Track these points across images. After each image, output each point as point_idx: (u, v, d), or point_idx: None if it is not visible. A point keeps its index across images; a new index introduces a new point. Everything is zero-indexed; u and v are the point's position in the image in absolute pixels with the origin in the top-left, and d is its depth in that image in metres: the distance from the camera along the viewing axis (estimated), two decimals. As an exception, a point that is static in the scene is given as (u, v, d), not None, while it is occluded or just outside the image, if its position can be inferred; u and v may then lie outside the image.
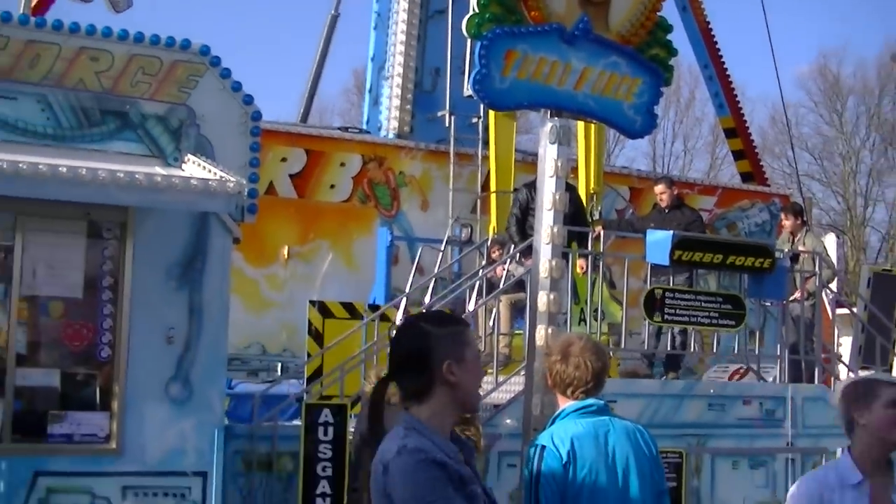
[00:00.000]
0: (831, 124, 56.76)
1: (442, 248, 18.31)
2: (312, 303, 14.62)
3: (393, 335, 4.97)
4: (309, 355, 14.08)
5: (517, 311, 14.86)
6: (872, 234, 56.72)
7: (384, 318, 13.81)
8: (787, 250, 16.57)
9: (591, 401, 6.52)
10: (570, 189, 15.07)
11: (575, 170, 18.41)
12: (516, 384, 13.11)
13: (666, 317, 13.88)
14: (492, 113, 17.66)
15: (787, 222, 18.05)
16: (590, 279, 14.84)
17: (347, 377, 13.64)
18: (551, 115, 11.27)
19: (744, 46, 35.49)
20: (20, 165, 7.99)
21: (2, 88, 8.84)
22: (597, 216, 17.94)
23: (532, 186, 13.28)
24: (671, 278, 14.62)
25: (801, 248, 17.13)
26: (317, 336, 14.03)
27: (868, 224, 56.34)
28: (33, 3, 10.64)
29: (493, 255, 16.39)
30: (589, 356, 6.54)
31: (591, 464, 6.29)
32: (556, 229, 11.34)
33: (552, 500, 6.28)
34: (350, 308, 14.11)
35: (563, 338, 7.07)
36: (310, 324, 14.32)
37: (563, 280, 11.94)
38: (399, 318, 14.72)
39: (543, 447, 6.42)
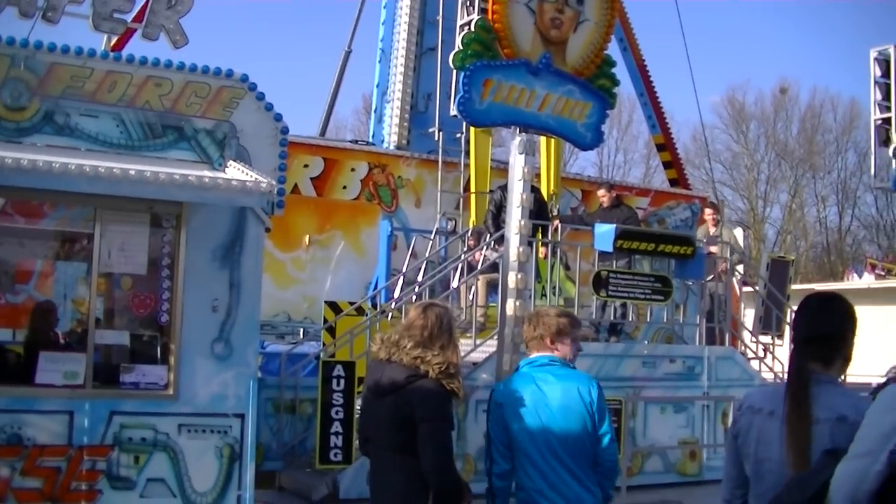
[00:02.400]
0: (738, 142, 57.21)
1: (432, 238, 18.30)
2: (328, 303, 14.56)
3: (814, 306, 4.65)
4: (324, 345, 14.04)
5: (491, 287, 14.85)
6: (770, 229, 57.01)
7: (383, 312, 13.79)
8: (706, 240, 16.62)
9: (539, 356, 6.66)
10: (535, 191, 15.11)
11: (538, 175, 18.42)
12: (490, 346, 13.14)
13: (610, 293, 13.91)
14: (472, 129, 17.68)
15: (710, 215, 18.12)
16: (549, 263, 14.88)
17: (355, 340, 13.66)
18: (520, 132, 11.28)
19: (671, 80, 35.80)
20: (100, 169, 7.96)
21: (87, 108, 8.81)
22: (555, 213, 17.94)
23: (504, 188, 13.30)
24: (614, 262, 14.62)
25: (717, 238, 17.20)
26: (330, 330, 13.98)
27: (766, 220, 56.61)
28: (112, 42, 10.58)
29: (471, 243, 16.39)
30: (544, 321, 6.69)
31: (525, 404, 6.44)
32: (523, 223, 11.34)
33: (496, 430, 6.56)
34: (358, 308, 14.07)
35: (535, 309, 7.34)
36: (325, 320, 14.27)
37: (528, 263, 11.94)
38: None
39: (492, 391, 6.82)
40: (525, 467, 6.44)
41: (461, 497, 6.15)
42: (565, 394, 6.45)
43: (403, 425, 6.01)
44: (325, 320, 14.16)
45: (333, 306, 14.29)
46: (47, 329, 9.67)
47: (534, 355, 6.69)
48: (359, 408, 12.76)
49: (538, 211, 14.65)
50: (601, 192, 16.86)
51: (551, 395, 6.44)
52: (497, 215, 15.32)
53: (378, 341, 6.40)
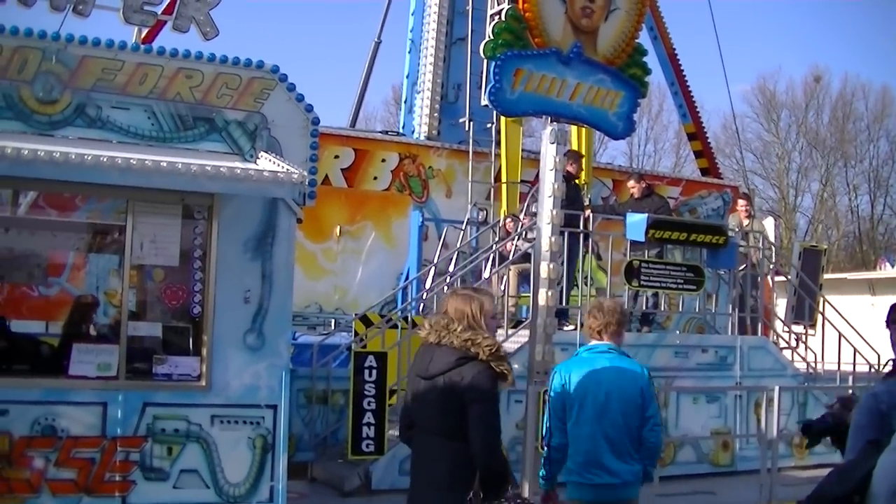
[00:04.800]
0: (769, 131, 56.79)
1: (462, 228, 18.27)
2: (358, 316, 14.44)
3: None
4: (356, 334, 14.00)
5: (522, 278, 14.80)
6: (801, 218, 56.68)
7: (415, 326, 13.66)
8: (738, 230, 16.49)
9: (597, 343, 7.49)
10: (571, 179, 15.01)
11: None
12: (522, 336, 13.08)
13: (642, 283, 13.84)
14: (503, 119, 17.60)
15: (743, 206, 17.96)
16: (581, 253, 14.79)
17: (386, 331, 13.64)
18: (551, 121, 11.21)
19: (701, 68, 35.64)
20: (132, 161, 7.94)
21: (118, 101, 8.79)
22: (587, 202, 17.85)
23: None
24: (646, 252, 14.55)
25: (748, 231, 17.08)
26: (361, 342, 13.91)
27: (798, 210, 56.27)
28: (143, 35, 10.59)
29: (508, 228, 16.33)
30: (602, 312, 7.50)
31: (580, 385, 7.32)
32: (554, 212, 11.27)
33: (556, 406, 7.46)
34: (389, 321, 13.97)
35: (597, 300, 8.38)
36: (355, 332, 14.18)
37: (560, 253, 11.88)
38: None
39: (554, 371, 7.63)
40: (576, 442, 7.29)
41: (506, 480, 6.22)
42: (619, 377, 7.27)
43: (453, 408, 6.10)
44: (356, 333, 14.00)
45: (365, 320, 14.20)
46: (87, 322, 9.70)
47: (593, 343, 7.49)
48: (397, 396, 12.82)
49: (574, 199, 14.58)
50: (630, 182, 16.71)
51: (606, 379, 7.26)
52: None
53: (427, 326, 6.43)
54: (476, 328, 6.28)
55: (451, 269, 16.59)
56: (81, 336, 9.29)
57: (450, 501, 6.13)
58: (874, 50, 76.81)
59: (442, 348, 6.25)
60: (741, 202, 18.25)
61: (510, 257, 15.14)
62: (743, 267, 16.07)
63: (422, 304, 15.96)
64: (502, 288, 15.27)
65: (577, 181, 15.56)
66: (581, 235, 14.16)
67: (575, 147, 18.78)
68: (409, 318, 13.97)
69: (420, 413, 6.39)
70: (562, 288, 13.72)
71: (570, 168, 15.13)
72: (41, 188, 9.29)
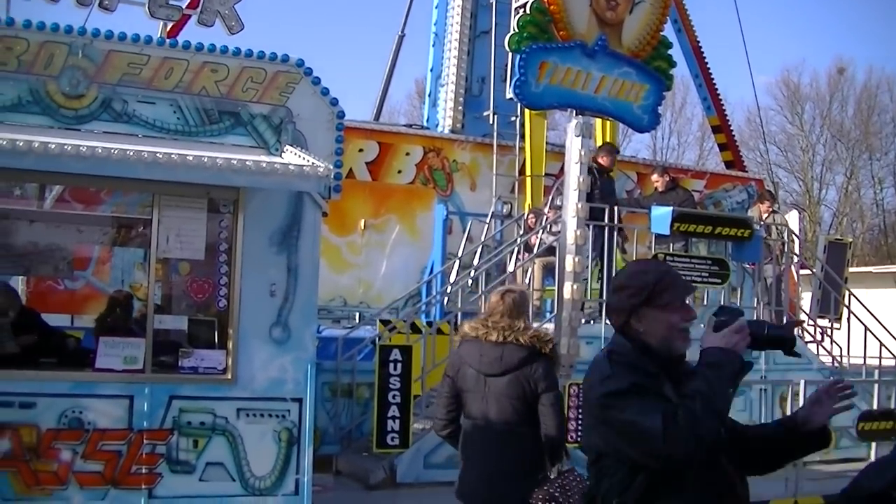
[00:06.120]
0: (793, 124, 56.39)
1: (487, 221, 18.23)
2: (381, 321, 14.34)
3: None
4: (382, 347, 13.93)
5: (547, 271, 14.75)
6: (826, 211, 56.33)
7: (439, 331, 13.60)
8: (762, 224, 16.40)
9: None
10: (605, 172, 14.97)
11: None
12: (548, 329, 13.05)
13: (666, 276, 13.74)
14: (527, 112, 17.49)
15: (763, 206, 17.87)
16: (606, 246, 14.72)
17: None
18: (576, 114, 11.20)
19: (725, 61, 35.45)
20: (158, 155, 7.97)
21: (144, 95, 8.83)
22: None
23: (590, 171, 13.04)
24: (671, 245, 14.49)
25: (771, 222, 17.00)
26: (391, 329, 13.83)
27: (822, 203, 55.98)
28: (168, 29, 10.61)
29: (530, 223, 16.28)
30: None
31: None
32: (580, 205, 11.25)
33: None
34: (412, 325, 13.85)
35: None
36: (379, 337, 14.06)
37: (585, 246, 11.85)
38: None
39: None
40: None
41: (566, 453, 7.12)
42: None
43: (525, 398, 6.81)
44: (380, 337, 13.87)
45: (387, 324, 14.10)
46: (125, 318, 9.76)
47: None
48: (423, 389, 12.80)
49: (609, 193, 14.57)
50: (654, 176, 16.60)
51: None
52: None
53: (480, 326, 7.04)
54: (519, 320, 6.99)
55: (475, 262, 16.54)
56: (118, 331, 9.32)
57: (529, 482, 6.76)
58: (899, 41, 76.26)
59: (508, 346, 6.88)
60: (763, 205, 18.10)
61: (534, 251, 15.08)
62: (768, 260, 15.99)
63: (446, 299, 15.91)
64: (527, 281, 15.23)
65: (610, 174, 15.48)
66: (614, 229, 14.09)
67: (599, 140, 18.70)
68: (434, 325, 13.85)
69: (484, 405, 6.92)
70: (601, 282, 13.68)
71: (602, 161, 15.09)
72: (68, 182, 9.34)
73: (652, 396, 3.84)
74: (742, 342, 3.90)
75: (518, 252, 15.78)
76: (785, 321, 4.70)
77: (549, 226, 14.94)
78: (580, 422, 9.48)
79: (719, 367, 3.84)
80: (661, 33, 11.89)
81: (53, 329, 10.21)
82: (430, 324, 14.02)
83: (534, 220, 16.15)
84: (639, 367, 3.95)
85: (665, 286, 4.11)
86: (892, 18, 75.16)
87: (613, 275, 14.50)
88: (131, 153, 7.92)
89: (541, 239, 15.17)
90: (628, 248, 15.51)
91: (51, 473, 8.28)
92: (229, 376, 8.90)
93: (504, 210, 18.65)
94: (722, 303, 15.63)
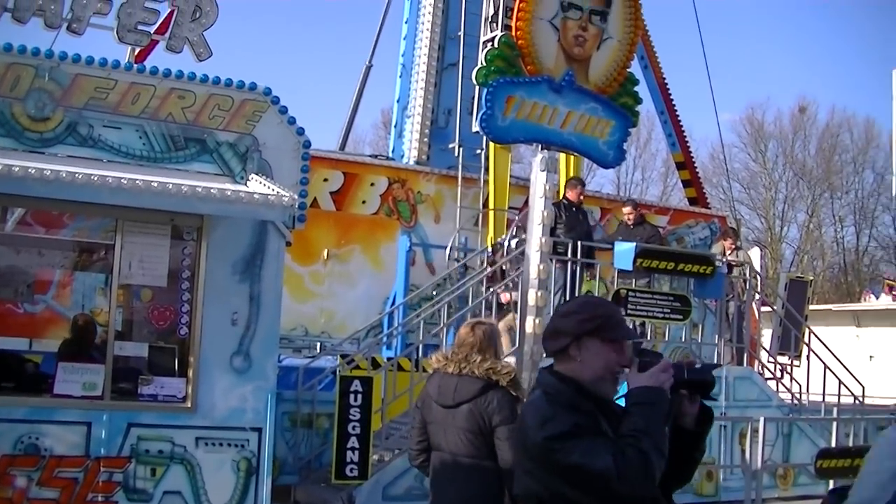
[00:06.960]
0: (756, 161, 56.90)
1: (447, 252, 18.23)
2: (343, 356, 14.28)
3: None
4: (342, 358, 13.89)
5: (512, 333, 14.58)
6: (787, 249, 56.80)
7: (399, 367, 13.52)
8: (724, 260, 16.49)
9: None
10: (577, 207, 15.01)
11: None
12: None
13: (629, 311, 13.79)
14: (492, 145, 17.51)
15: (726, 243, 18.00)
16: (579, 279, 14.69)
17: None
18: (542, 149, 11.25)
19: (691, 98, 35.72)
20: (122, 181, 7.96)
21: (110, 119, 8.82)
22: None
23: (559, 205, 13.03)
24: (634, 280, 14.54)
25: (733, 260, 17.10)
26: (350, 363, 13.76)
27: (784, 240, 56.43)
28: (136, 53, 10.59)
29: (496, 257, 16.26)
30: None
31: None
32: (543, 240, 11.28)
33: None
34: (372, 361, 13.82)
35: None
36: (341, 357, 14.01)
37: (548, 280, 11.87)
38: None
39: None
40: None
41: None
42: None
43: (480, 431, 6.73)
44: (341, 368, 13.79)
45: (346, 358, 14.01)
46: (87, 342, 9.68)
47: None
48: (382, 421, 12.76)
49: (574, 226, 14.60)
50: (626, 209, 16.67)
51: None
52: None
53: (442, 358, 7.04)
54: (487, 353, 6.92)
55: (434, 293, 16.54)
56: (75, 355, 9.24)
57: None
58: (860, 81, 77.24)
59: (464, 378, 6.84)
60: (727, 242, 18.24)
61: (497, 283, 15.05)
62: (729, 297, 16.08)
63: (406, 330, 15.89)
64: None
65: (580, 206, 15.48)
66: (580, 264, 14.11)
67: (563, 175, 18.77)
68: (394, 360, 13.79)
69: (445, 437, 6.88)
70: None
71: (570, 195, 15.13)
72: (30, 205, 9.28)
73: (594, 436, 3.82)
74: (668, 382, 3.92)
75: (482, 283, 15.78)
76: (701, 365, 4.63)
77: (506, 263, 14.91)
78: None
79: (652, 406, 3.85)
80: (628, 70, 11.96)
81: (11, 353, 10.12)
82: (390, 359, 13.98)
83: (500, 253, 16.17)
84: (578, 406, 3.92)
85: (617, 322, 4.14)
86: (851, 59, 76.20)
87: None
88: (96, 178, 7.89)
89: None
90: (592, 282, 15.54)
91: (5, 500, 8.20)
92: (189, 405, 8.86)
93: (462, 244, 18.61)
94: (683, 338, 15.71)
